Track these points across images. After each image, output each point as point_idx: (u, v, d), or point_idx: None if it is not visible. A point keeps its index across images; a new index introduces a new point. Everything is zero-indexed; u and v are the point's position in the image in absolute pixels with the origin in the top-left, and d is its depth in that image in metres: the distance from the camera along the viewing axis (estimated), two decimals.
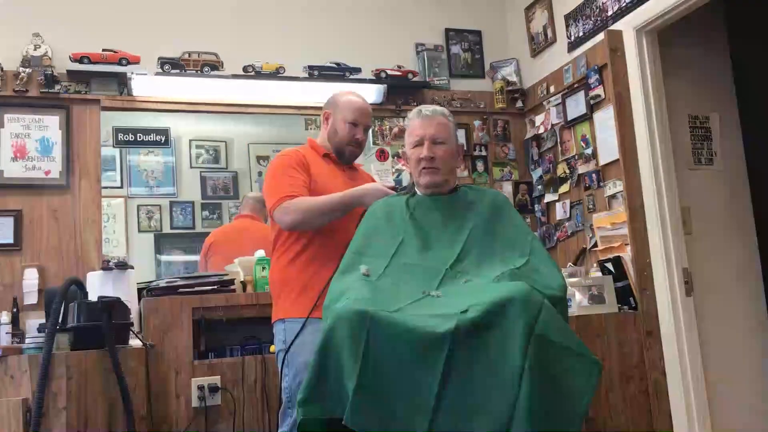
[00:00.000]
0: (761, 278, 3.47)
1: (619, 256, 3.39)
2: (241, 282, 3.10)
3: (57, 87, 3.54)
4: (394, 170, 4.04)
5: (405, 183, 3.96)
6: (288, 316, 2.38)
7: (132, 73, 3.59)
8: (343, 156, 2.59)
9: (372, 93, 4.03)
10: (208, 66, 3.74)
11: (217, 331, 2.94)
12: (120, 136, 3.78)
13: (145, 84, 3.67)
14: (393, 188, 2.42)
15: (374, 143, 4.08)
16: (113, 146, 3.86)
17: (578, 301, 3.23)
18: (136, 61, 3.61)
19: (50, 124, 3.53)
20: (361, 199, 2.38)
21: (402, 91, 4.13)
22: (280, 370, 2.36)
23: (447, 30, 4.36)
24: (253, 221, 3.90)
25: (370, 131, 4.08)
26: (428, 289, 2.00)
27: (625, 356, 3.15)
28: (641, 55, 3.35)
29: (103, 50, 3.58)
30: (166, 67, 3.67)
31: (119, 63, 3.58)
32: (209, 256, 3.86)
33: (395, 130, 4.08)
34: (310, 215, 2.34)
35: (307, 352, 2.20)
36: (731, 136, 3.56)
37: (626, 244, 3.39)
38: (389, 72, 4.05)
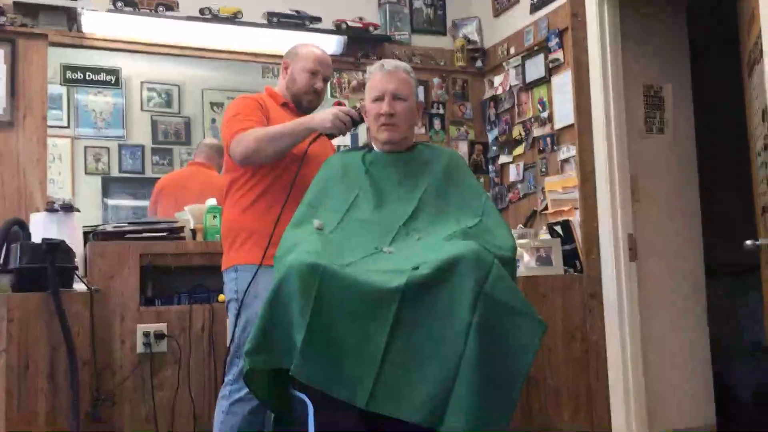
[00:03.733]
0: (702, 247, 3.58)
1: (567, 220, 3.45)
2: (191, 230, 3.06)
3: (2, 19, 3.37)
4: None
5: (361, 138, 3.93)
6: (241, 262, 2.36)
7: (82, 8, 3.45)
8: (301, 105, 2.58)
9: (332, 44, 3.96)
10: (163, 6, 3.61)
11: (165, 278, 2.91)
12: (68, 74, 3.66)
13: (96, 21, 3.53)
14: (350, 115, 2.34)
15: (332, 95, 4.03)
16: (60, 84, 3.72)
17: (526, 262, 3.29)
18: None
19: None
20: (312, 119, 2.36)
21: (362, 43, 4.07)
22: (234, 319, 2.34)
23: None
24: (206, 169, 3.84)
25: (328, 83, 4.03)
26: (381, 245, 2.01)
27: (568, 317, 3.24)
28: (602, 21, 3.36)
29: None
30: (119, 4, 3.53)
31: None
32: (159, 200, 3.80)
33: (354, 83, 4.03)
34: (264, 143, 2.31)
35: (258, 303, 2.19)
36: (683, 107, 3.63)
37: (576, 209, 3.45)
38: (350, 23, 3.98)
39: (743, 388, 3.96)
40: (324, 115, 2.32)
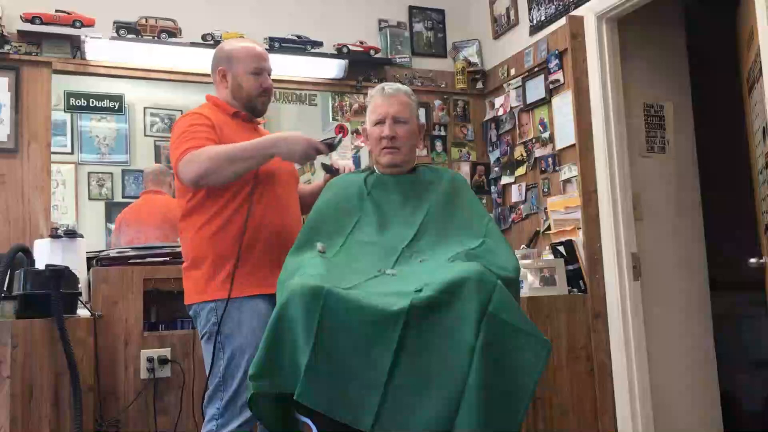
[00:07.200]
0: (705, 265, 3.57)
1: (571, 240, 3.45)
2: None
3: (7, 47, 3.41)
4: (353, 146, 4.03)
5: (363, 160, 3.95)
6: (219, 297, 2.19)
7: (86, 36, 3.48)
8: (256, 109, 2.43)
9: (333, 68, 3.99)
10: (166, 32, 3.65)
11: (169, 303, 2.91)
12: (72, 101, 3.69)
13: (100, 48, 3.56)
14: (325, 144, 2.22)
15: (334, 119, 4.06)
16: (64, 111, 3.75)
17: (530, 283, 3.28)
18: (90, 23, 3.50)
19: None
20: (278, 146, 2.17)
21: (363, 66, 4.10)
22: (214, 352, 2.20)
23: (410, 7, 4.34)
24: (157, 195, 3.83)
25: (329, 106, 4.07)
26: (384, 267, 2.01)
27: (573, 337, 3.22)
28: (601, 41, 3.38)
29: (56, 11, 3.46)
30: (122, 31, 3.57)
31: (73, 25, 3.47)
32: (120, 234, 3.74)
33: (355, 106, 4.06)
34: (219, 162, 2.11)
35: (244, 331, 2.15)
36: (683, 125, 3.64)
37: (578, 228, 3.45)
38: (351, 47, 4.01)
39: (750, 404, 3.93)
40: (292, 145, 2.18)
